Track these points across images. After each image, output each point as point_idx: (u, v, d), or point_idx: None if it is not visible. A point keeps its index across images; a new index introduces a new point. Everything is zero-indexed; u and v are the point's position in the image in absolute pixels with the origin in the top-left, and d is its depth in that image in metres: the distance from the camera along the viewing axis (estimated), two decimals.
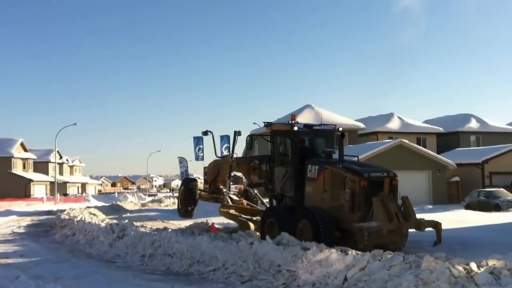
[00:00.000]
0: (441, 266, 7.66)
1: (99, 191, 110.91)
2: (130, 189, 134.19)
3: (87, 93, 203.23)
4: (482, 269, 7.53)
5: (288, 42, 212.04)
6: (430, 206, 32.72)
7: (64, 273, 11.27)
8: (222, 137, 32.45)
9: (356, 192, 12.32)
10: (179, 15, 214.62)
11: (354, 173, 12.58)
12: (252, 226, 15.65)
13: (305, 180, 13.96)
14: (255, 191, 18.75)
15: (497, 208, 29.01)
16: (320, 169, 13.50)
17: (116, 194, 79.87)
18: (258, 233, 14.43)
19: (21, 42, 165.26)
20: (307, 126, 15.28)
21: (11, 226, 25.05)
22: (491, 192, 31.53)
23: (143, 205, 48.83)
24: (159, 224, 21.50)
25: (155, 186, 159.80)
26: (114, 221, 19.73)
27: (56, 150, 64.28)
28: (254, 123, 16.81)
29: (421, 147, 38.01)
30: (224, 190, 17.85)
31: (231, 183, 26.84)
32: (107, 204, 44.42)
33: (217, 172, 17.97)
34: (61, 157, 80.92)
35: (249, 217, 16.44)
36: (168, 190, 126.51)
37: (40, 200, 56.78)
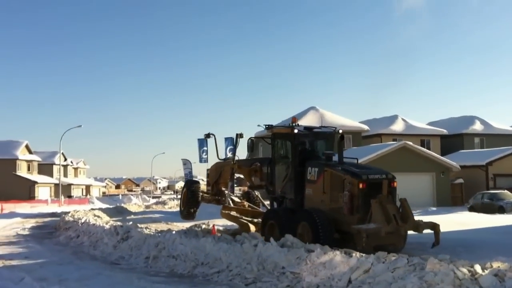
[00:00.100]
0: (446, 268, 7.64)
1: (103, 193, 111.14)
2: (134, 191, 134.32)
3: (91, 95, 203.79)
4: (486, 272, 7.51)
5: (292, 44, 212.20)
6: (434, 208, 32.66)
7: (69, 275, 11.29)
8: (226, 140, 32.47)
9: (354, 194, 12.42)
10: (183, 18, 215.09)
11: (353, 175, 12.68)
12: (252, 228, 15.71)
13: (305, 182, 14.06)
14: (257, 193, 18.86)
15: (501, 210, 28.98)
16: (319, 171, 13.60)
17: (120, 196, 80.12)
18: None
19: (26, 44, 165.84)
20: (307, 128, 15.35)
21: (16, 228, 25.11)
22: (495, 194, 31.50)
23: (147, 207, 48.97)
24: (163, 226, 21.53)
25: (159, 188, 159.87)
26: (118, 223, 19.79)
27: (61, 152, 64.41)
28: (258, 125, 17.03)
29: (425, 149, 37.96)
30: (226, 192, 17.98)
31: (235, 185, 26.95)
32: (111, 206, 44.57)
33: (219, 174, 18.06)
34: (65, 159, 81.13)
35: (250, 219, 16.51)
36: (172, 192, 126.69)
37: (45, 202, 56.90)
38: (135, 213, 36.16)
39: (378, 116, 53.07)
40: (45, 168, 78.52)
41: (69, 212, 28.58)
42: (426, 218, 16.55)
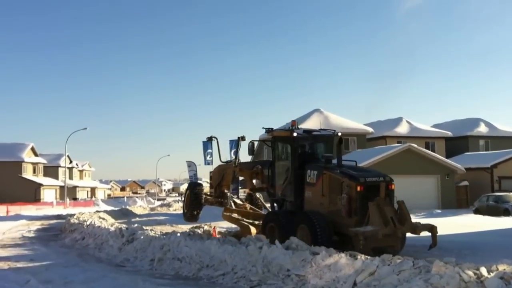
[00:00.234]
0: (451, 271, 7.62)
1: (109, 195, 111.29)
2: (139, 193, 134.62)
3: (97, 98, 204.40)
4: (492, 274, 7.49)
5: (297, 47, 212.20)
6: (439, 211, 32.63)
7: (74, 277, 11.30)
8: (231, 142, 32.48)
9: (352, 197, 12.56)
10: (188, 21, 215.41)
11: (351, 178, 12.80)
12: (253, 230, 15.78)
13: (305, 185, 14.20)
14: (260, 195, 18.98)
15: (506, 212, 28.86)
16: (318, 174, 13.73)
17: (125, 198, 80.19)
18: None
19: (31, 47, 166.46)
20: (307, 131, 15.52)
21: (21, 230, 25.15)
22: (500, 196, 31.39)
23: (152, 209, 49.03)
24: (168, 228, 21.52)
25: (164, 190, 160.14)
26: (124, 225, 19.80)
27: (66, 154, 64.56)
28: (263, 127, 17.21)
29: (429, 152, 37.90)
30: (229, 194, 18.16)
31: (240, 187, 27.03)
32: (116, 209, 44.53)
33: (221, 177, 18.25)
34: (71, 162, 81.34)
35: (251, 221, 16.60)
36: (177, 194, 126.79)
37: (50, 204, 56.99)
38: (140, 216, 36.15)
39: (382, 119, 53.12)
40: (51, 171, 78.70)
41: (74, 215, 28.59)
42: (431, 221, 16.58)
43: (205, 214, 21.12)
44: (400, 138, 44.98)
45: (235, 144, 31.37)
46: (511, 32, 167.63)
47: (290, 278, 9.58)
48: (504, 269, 7.68)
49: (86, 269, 12.53)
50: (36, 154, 74.68)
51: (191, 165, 39.49)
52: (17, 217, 36.07)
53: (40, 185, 70.83)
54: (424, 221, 15.49)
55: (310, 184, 13.98)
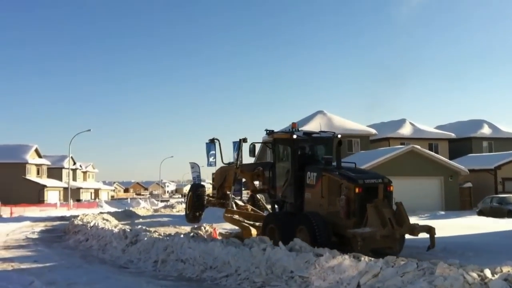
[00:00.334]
0: (455, 273, 7.61)
1: (112, 197, 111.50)
2: (143, 195, 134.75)
3: (101, 99, 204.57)
4: (496, 276, 7.47)
5: (302, 49, 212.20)
6: (443, 212, 32.57)
7: (77, 278, 11.32)
8: (234, 144, 32.44)
9: (351, 198, 12.66)
10: (193, 22, 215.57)
11: (349, 180, 12.91)
12: (254, 231, 15.84)
13: (305, 187, 14.31)
14: (261, 197, 19.07)
15: (510, 214, 28.78)
16: (318, 176, 13.87)
17: (129, 200, 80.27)
18: None
19: (34, 47, 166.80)
20: (307, 133, 15.67)
21: (25, 231, 25.22)
22: (504, 198, 31.30)
23: (155, 210, 49.01)
24: (171, 230, 21.57)
25: (167, 191, 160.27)
26: (127, 227, 19.82)
27: (70, 156, 64.67)
28: (265, 130, 17.31)
29: (433, 153, 37.86)
30: (231, 195, 18.29)
31: (243, 188, 27.10)
32: (119, 210, 44.59)
33: (224, 178, 18.49)
34: (74, 163, 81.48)
35: (252, 222, 16.67)
36: (180, 196, 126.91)
37: (54, 206, 57.12)
38: (143, 217, 36.20)
39: (386, 120, 53.06)
40: (54, 172, 78.88)
41: (78, 216, 28.66)
42: (434, 222, 16.60)
43: (208, 215, 21.19)
44: (403, 140, 44.92)
45: (237, 146, 31.46)
46: None
47: (293, 280, 9.57)
48: (508, 271, 7.67)
49: (89, 271, 12.56)
50: (40, 156, 74.83)
51: (194, 166, 39.40)
52: (21, 219, 36.22)
53: (44, 186, 70.94)
54: (427, 222, 15.47)
55: (310, 186, 14.11)
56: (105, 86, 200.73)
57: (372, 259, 9.25)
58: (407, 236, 13.07)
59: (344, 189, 12.82)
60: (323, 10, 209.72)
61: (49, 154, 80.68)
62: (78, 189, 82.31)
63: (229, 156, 18.95)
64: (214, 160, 36.74)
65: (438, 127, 53.47)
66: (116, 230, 17.91)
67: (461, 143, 48.38)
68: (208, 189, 25.68)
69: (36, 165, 72.86)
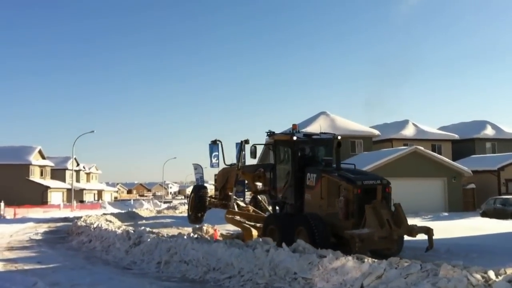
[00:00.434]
0: (459, 275, 7.59)
1: (115, 198, 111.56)
2: (146, 196, 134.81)
3: (104, 100, 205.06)
4: (500, 278, 7.45)
5: (304, 49, 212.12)
6: (446, 214, 32.53)
7: (81, 280, 11.34)
8: (237, 145, 32.49)
9: (350, 199, 12.74)
10: (194, 20, 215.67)
11: (348, 181, 13.00)
12: (255, 232, 15.90)
13: (305, 188, 14.40)
14: (263, 198, 19.15)
15: None
16: (317, 177, 13.96)
17: (132, 201, 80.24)
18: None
19: (36, 48, 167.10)
20: (307, 135, 15.79)
21: (28, 232, 25.27)
22: (507, 199, 31.21)
23: (158, 212, 49.10)
24: (174, 231, 21.59)
25: (171, 193, 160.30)
26: (130, 228, 19.86)
27: (74, 157, 64.75)
28: (266, 131, 17.46)
29: (436, 154, 37.79)
30: (234, 197, 18.45)
31: (246, 190, 27.15)
32: (123, 211, 44.70)
33: (226, 180, 18.55)
34: (78, 164, 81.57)
35: (253, 223, 16.73)
36: (183, 197, 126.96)
37: (57, 207, 57.22)
38: (146, 218, 36.33)
39: (389, 121, 52.96)
40: (58, 173, 79.01)
41: (81, 217, 28.73)
42: (437, 224, 16.65)
43: (211, 216, 21.23)
44: (406, 141, 44.82)
45: (239, 148, 31.51)
46: None
47: (297, 281, 9.56)
48: None
49: (93, 272, 12.56)
50: (43, 157, 74.99)
51: (197, 167, 39.50)
52: (25, 220, 36.30)
53: (47, 187, 71.09)
54: (431, 224, 15.47)
55: (310, 187, 14.20)
56: (108, 87, 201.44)
57: (376, 260, 9.25)
58: (407, 237, 13.10)
59: (343, 190, 12.91)
60: (324, 11, 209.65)
61: (53, 155, 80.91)
62: (82, 190, 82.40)
63: (232, 157, 19.05)
64: (217, 161, 36.89)
65: (441, 128, 53.36)
66: (119, 231, 17.93)
67: (464, 144, 48.26)
68: (211, 190, 25.76)
69: (40, 166, 73.02)
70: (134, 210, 48.52)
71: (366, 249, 11.84)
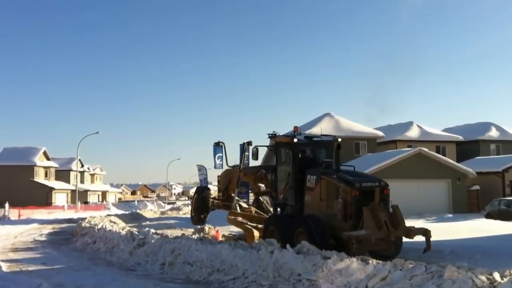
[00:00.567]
0: (464, 276, 7.57)
1: (119, 199, 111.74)
2: (150, 197, 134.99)
3: (108, 102, 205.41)
4: (505, 279, 7.42)
5: (309, 51, 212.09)
6: (450, 215, 32.46)
7: (85, 281, 11.36)
8: (241, 146, 32.48)
9: (348, 201, 12.82)
10: (200, 24, 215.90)
11: (347, 183, 13.09)
12: (256, 234, 15.94)
13: (305, 190, 14.49)
14: (265, 199, 19.22)
15: None
16: (317, 179, 14.05)
17: (136, 202, 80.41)
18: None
19: (40, 49, 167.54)
20: (308, 137, 15.94)
21: (33, 234, 25.31)
22: (511, 201, 31.16)
23: (162, 213, 49.11)
24: (178, 232, 21.59)
25: (174, 194, 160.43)
26: (134, 229, 19.87)
27: (78, 158, 64.87)
28: (268, 133, 17.62)
29: (440, 156, 37.70)
30: (236, 198, 18.53)
31: (250, 191, 27.18)
32: (127, 212, 44.76)
33: (228, 181, 18.68)
34: (82, 166, 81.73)
35: (255, 224, 16.78)
36: (187, 198, 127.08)
37: (61, 208, 57.28)
38: (150, 219, 36.33)
39: (393, 123, 52.87)
40: (62, 174, 79.18)
41: (85, 218, 28.78)
42: (442, 225, 16.63)
43: (214, 217, 21.24)
44: (410, 142, 44.72)
45: (241, 149, 31.52)
46: None
47: (301, 283, 9.55)
48: None
49: (97, 273, 12.58)
50: (48, 158, 75.16)
51: (201, 169, 39.56)
52: (29, 221, 36.35)
53: (52, 189, 71.23)
54: (435, 225, 15.47)
55: (310, 189, 14.30)
56: (113, 90, 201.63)
57: (380, 262, 9.23)
58: (409, 240, 13.11)
59: (342, 192, 13.01)
60: (325, 12, 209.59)
61: (57, 156, 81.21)
62: (86, 191, 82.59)
63: (235, 159, 19.18)
64: (221, 162, 36.91)
65: (445, 130, 53.23)
66: (123, 232, 17.94)
67: (469, 146, 48.13)
68: (215, 191, 25.84)
69: (44, 167, 73.19)
70: (138, 211, 48.53)
71: (364, 251, 11.95)
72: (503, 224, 24.85)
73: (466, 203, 36.27)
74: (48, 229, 28.73)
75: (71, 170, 79.09)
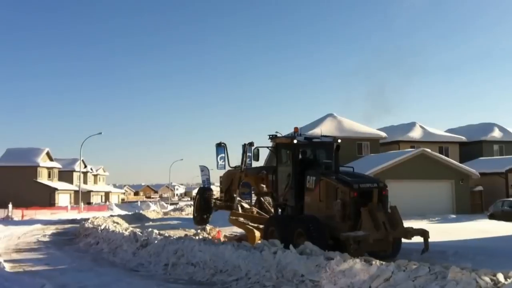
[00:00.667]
0: (468, 277, 7.56)
1: (122, 200, 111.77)
2: (153, 197, 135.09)
3: (111, 102, 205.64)
4: (509, 280, 7.40)
5: (311, 52, 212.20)
6: (454, 216, 32.41)
7: (88, 281, 11.38)
8: (243, 146, 32.46)
9: (346, 202, 12.94)
10: (201, 23, 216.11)
11: (345, 184, 13.21)
12: (257, 234, 15.96)
13: (305, 191, 14.61)
14: (267, 200, 19.27)
15: None
16: (316, 180, 14.19)
17: (139, 203, 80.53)
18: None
19: (46, 49, 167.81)
20: (308, 138, 16.03)
21: (36, 234, 25.36)
22: None
23: (165, 213, 49.21)
24: (181, 233, 21.61)
25: (177, 194, 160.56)
26: (137, 230, 19.88)
27: (81, 159, 64.95)
28: (268, 134, 17.78)
29: (443, 156, 37.64)
30: (238, 198, 18.55)
31: (253, 191, 27.22)
32: (130, 213, 44.80)
33: (230, 182, 18.85)
34: (85, 166, 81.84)
35: (256, 225, 16.83)
36: (189, 199, 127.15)
37: (64, 209, 57.38)
38: (153, 220, 36.39)
39: (396, 123, 52.81)
40: (65, 175, 79.31)
41: (88, 219, 28.82)
42: (445, 226, 16.61)
43: (217, 218, 21.27)
44: (413, 143, 44.68)
45: (248, 149, 31.52)
46: None
47: (304, 284, 9.55)
48: None
49: (100, 274, 12.59)
50: (51, 159, 75.30)
51: (204, 169, 39.49)
52: (32, 222, 36.38)
53: (55, 189, 71.37)
54: (438, 226, 15.46)
55: (309, 190, 14.41)
56: (116, 90, 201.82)
57: (384, 263, 9.22)
58: (409, 240, 13.14)
59: (340, 193, 13.14)
60: (326, 13, 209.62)
61: (60, 157, 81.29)
62: (89, 192, 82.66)
63: (238, 159, 19.17)
64: (224, 163, 36.81)
65: (448, 131, 53.15)
66: (126, 233, 17.96)
67: (472, 147, 48.06)
68: (217, 192, 25.88)
69: (47, 168, 73.31)
70: (141, 212, 48.65)
71: (362, 251, 11.97)
72: (507, 225, 24.80)
73: (469, 204, 36.24)
74: (51, 229, 28.78)
75: (74, 170, 79.22)
